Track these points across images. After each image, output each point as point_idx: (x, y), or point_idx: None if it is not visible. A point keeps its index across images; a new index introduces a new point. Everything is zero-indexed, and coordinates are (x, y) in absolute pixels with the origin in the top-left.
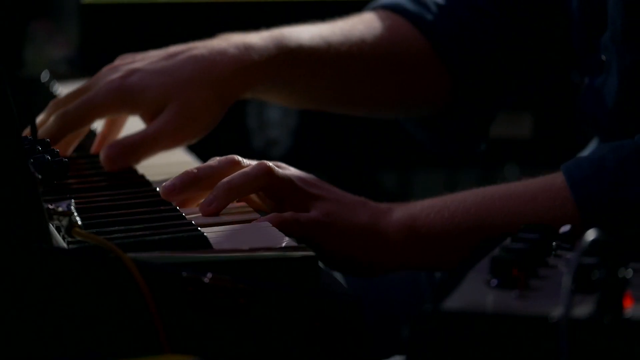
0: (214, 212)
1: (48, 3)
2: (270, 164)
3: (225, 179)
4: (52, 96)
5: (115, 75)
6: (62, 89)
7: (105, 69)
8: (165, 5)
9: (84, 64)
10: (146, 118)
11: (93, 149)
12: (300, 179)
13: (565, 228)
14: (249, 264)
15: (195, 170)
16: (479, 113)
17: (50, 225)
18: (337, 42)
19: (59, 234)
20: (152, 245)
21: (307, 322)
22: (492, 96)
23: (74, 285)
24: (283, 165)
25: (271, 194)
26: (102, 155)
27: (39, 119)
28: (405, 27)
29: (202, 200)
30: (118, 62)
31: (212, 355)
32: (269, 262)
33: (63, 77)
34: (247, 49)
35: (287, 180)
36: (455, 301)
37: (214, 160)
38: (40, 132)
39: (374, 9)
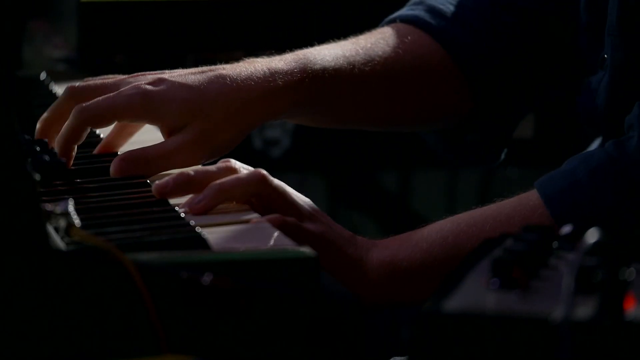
0: (201, 211)
1: (46, 3)
2: (266, 173)
3: (217, 181)
4: (51, 96)
5: (142, 81)
6: (61, 89)
7: (130, 76)
8: (165, 4)
9: (83, 63)
10: (164, 130)
11: (96, 151)
12: (294, 193)
13: (566, 229)
14: (249, 264)
15: (192, 172)
16: (501, 123)
17: (49, 225)
18: (361, 62)
19: (57, 235)
20: (151, 246)
21: (307, 323)
22: (513, 106)
23: (72, 286)
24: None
25: (263, 202)
26: (113, 167)
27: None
28: (426, 41)
29: (190, 197)
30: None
31: (211, 355)
32: (269, 263)
33: (62, 77)
34: (273, 74)
35: (281, 190)
36: (455, 302)
37: (212, 166)
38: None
39: (391, 22)
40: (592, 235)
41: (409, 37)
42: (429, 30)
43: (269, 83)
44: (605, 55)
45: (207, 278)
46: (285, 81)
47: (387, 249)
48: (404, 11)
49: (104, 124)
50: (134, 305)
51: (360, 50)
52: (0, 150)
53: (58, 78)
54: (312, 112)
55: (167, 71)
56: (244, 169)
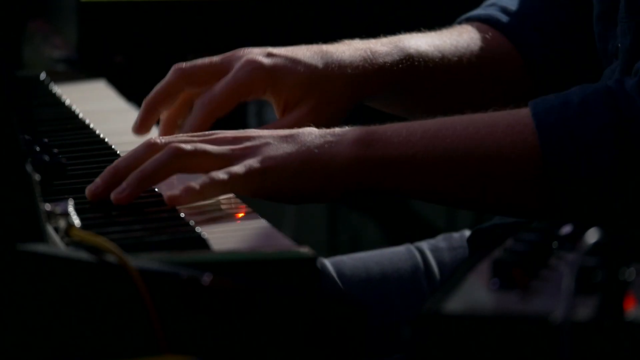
0: (126, 200)
1: (46, 3)
2: (182, 143)
3: (137, 169)
4: (50, 96)
5: (254, 56)
6: (61, 89)
7: (233, 53)
8: (164, 4)
9: (83, 63)
10: (281, 104)
11: (161, 133)
12: (220, 141)
13: (566, 229)
14: (249, 264)
15: (115, 165)
16: None
17: (48, 226)
18: (449, 52)
19: (57, 235)
20: (151, 246)
21: (307, 323)
22: None
23: (72, 286)
24: (216, 132)
25: (195, 171)
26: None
27: (160, 88)
28: (501, 40)
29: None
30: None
31: (211, 356)
32: (268, 263)
33: (62, 77)
34: (373, 53)
35: (200, 153)
36: (455, 303)
37: (133, 149)
38: (183, 123)
39: (468, 20)
40: (592, 236)
41: (489, 35)
42: (503, 30)
43: (372, 61)
44: (619, 45)
45: (207, 278)
46: (385, 61)
47: (363, 129)
48: (479, 11)
49: (232, 107)
50: (134, 306)
51: (448, 41)
52: (0, 150)
53: (58, 78)
54: (406, 95)
55: (269, 48)
56: (164, 138)
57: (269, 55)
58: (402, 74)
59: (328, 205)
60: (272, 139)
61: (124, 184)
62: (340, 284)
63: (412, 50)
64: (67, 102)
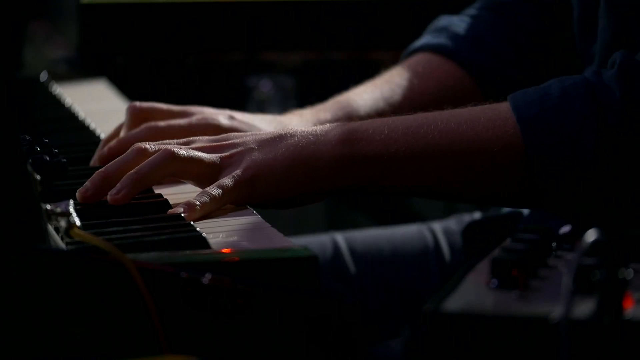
0: (122, 201)
1: (47, 3)
2: (175, 147)
3: (133, 170)
4: (51, 96)
5: (215, 114)
6: (61, 90)
7: (193, 107)
8: (164, 5)
9: (83, 64)
10: None
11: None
12: (209, 148)
13: (565, 229)
14: (248, 264)
15: (103, 170)
16: None
17: (49, 226)
18: (399, 102)
19: (58, 235)
20: (151, 245)
21: (307, 322)
22: None
23: (73, 286)
24: (199, 139)
25: (185, 176)
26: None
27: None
28: (452, 70)
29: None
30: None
31: (211, 355)
32: (268, 263)
33: (62, 78)
34: (322, 124)
35: (193, 158)
36: (455, 302)
37: (123, 155)
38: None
39: (419, 50)
40: (590, 235)
41: (439, 69)
42: (454, 58)
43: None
44: (599, 40)
45: (207, 278)
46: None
47: (344, 127)
48: (428, 39)
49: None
50: (134, 305)
51: (397, 90)
52: (0, 150)
53: (58, 78)
54: None
55: (229, 111)
56: (153, 144)
57: (230, 117)
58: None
59: (328, 205)
60: (256, 144)
61: (119, 185)
62: (339, 284)
63: (360, 112)
64: (68, 102)
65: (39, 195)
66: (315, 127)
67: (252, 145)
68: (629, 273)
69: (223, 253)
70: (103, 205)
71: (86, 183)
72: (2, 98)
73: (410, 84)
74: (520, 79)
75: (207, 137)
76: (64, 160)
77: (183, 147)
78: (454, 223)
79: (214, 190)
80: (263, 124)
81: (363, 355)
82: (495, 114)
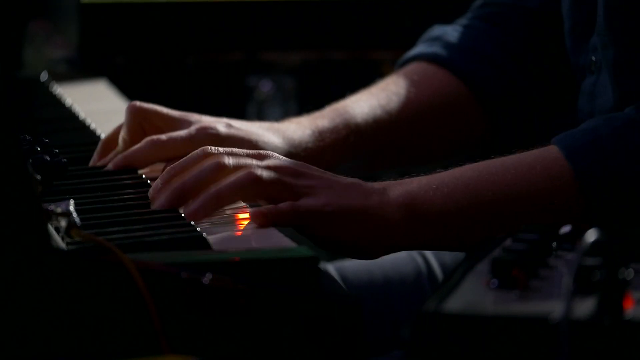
0: (200, 218)
1: (47, 3)
2: (257, 169)
3: (213, 189)
4: (51, 96)
5: (213, 123)
6: (61, 90)
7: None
8: (164, 5)
9: (83, 63)
10: None
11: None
12: (289, 173)
13: (565, 228)
14: (249, 264)
15: (181, 183)
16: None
17: (50, 226)
18: (396, 110)
19: (58, 235)
20: (152, 245)
21: (307, 322)
22: (529, 133)
23: (73, 286)
24: (270, 155)
25: (262, 198)
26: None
27: None
28: (448, 80)
29: (188, 207)
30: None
31: (211, 355)
32: (268, 263)
33: (62, 77)
34: (321, 133)
35: (276, 183)
36: (455, 302)
37: (196, 167)
38: None
39: (414, 59)
40: (591, 235)
41: (434, 77)
42: (450, 67)
43: (319, 142)
44: (593, 58)
45: (207, 278)
46: (333, 139)
47: (404, 190)
48: (422, 49)
49: (174, 156)
50: (135, 305)
51: (394, 97)
52: (0, 150)
53: (59, 78)
54: (353, 160)
55: (226, 119)
56: (230, 158)
57: (227, 125)
58: (352, 146)
59: None
60: (335, 184)
61: (197, 204)
62: (339, 283)
63: (358, 119)
64: (68, 102)
65: (39, 195)
66: (377, 186)
67: (332, 185)
68: (629, 273)
69: (223, 253)
70: (103, 205)
71: (162, 198)
72: (2, 98)
73: (406, 91)
74: (514, 86)
75: (284, 159)
76: (64, 160)
77: (263, 168)
78: None
79: (285, 207)
80: (261, 131)
81: (363, 355)
82: (550, 163)
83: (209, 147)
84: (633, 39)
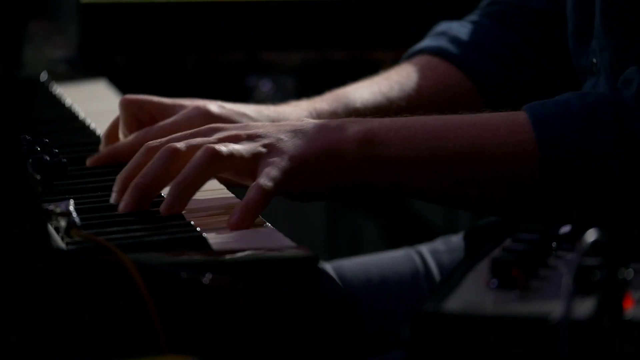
0: (178, 212)
1: (47, 3)
2: (213, 144)
3: (177, 179)
4: (51, 96)
5: (205, 103)
6: (61, 90)
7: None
8: (164, 5)
9: (83, 63)
10: None
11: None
12: (243, 138)
13: (565, 228)
14: (248, 264)
15: (141, 179)
16: None
17: (49, 226)
18: (397, 97)
19: (58, 235)
20: (151, 246)
21: (306, 322)
22: None
23: (72, 286)
24: (218, 128)
25: (226, 172)
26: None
27: None
28: (452, 73)
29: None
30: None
31: (211, 355)
32: (268, 263)
33: (62, 77)
34: (319, 114)
35: (236, 154)
36: (455, 302)
37: (152, 161)
38: None
39: (417, 52)
40: (591, 235)
41: (438, 70)
42: (454, 61)
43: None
44: (594, 60)
45: (207, 278)
46: (331, 117)
47: (364, 127)
48: (428, 42)
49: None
50: (134, 305)
51: (395, 86)
52: (0, 150)
53: (58, 78)
54: None
55: (220, 102)
56: (179, 142)
57: (220, 106)
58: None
59: (328, 206)
60: (282, 134)
61: (169, 199)
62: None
63: (357, 104)
64: (68, 102)
65: (39, 195)
66: (334, 121)
67: (280, 136)
68: (629, 273)
69: (223, 253)
70: (103, 205)
71: (125, 197)
72: (2, 98)
73: (408, 80)
74: (518, 83)
75: (225, 125)
76: (64, 160)
77: (217, 142)
78: (441, 244)
79: (266, 182)
80: (254, 114)
81: (362, 354)
82: (515, 128)
83: (151, 141)
84: (627, 42)
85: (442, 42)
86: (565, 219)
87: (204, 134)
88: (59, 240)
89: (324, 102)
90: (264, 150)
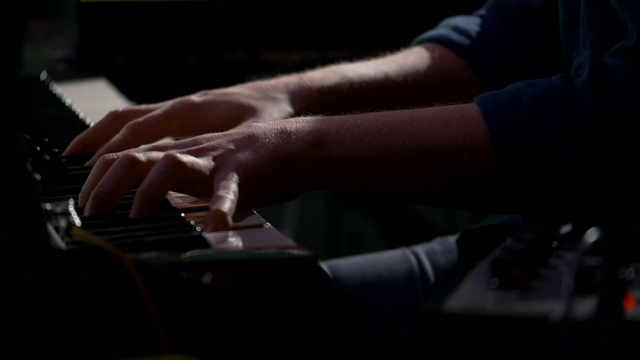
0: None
1: (47, 3)
2: (174, 152)
3: (142, 187)
4: (51, 95)
5: (187, 96)
6: (61, 89)
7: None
8: (164, 5)
9: (83, 63)
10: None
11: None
12: (198, 152)
13: (565, 228)
14: (248, 264)
15: (100, 188)
16: None
17: (49, 225)
18: (394, 73)
19: (58, 235)
20: (151, 245)
21: (307, 322)
22: None
23: (72, 285)
24: (171, 144)
25: (186, 183)
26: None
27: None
28: (452, 59)
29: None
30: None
31: (211, 355)
32: (268, 263)
33: (62, 77)
34: (310, 79)
35: (195, 165)
36: (455, 302)
37: (110, 170)
38: None
39: (421, 42)
40: (591, 235)
41: (437, 55)
42: (454, 48)
43: (307, 84)
44: (581, 46)
45: (207, 278)
46: (323, 84)
47: (315, 129)
48: (431, 32)
49: (156, 137)
50: (134, 305)
51: (393, 64)
52: (0, 150)
53: (58, 78)
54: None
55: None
56: (138, 152)
57: (203, 94)
58: (340, 95)
59: (328, 206)
60: (232, 144)
61: (137, 208)
62: (339, 283)
63: (350, 74)
64: (68, 101)
65: (39, 195)
66: (284, 123)
67: (230, 147)
68: (630, 273)
69: (223, 253)
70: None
71: (86, 207)
72: (2, 98)
73: (406, 60)
74: (519, 72)
75: (173, 142)
76: (64, 160)
77: (176, 151)
78: (438, 244)
79: (228, 194)
80: (240, 89)
81: (362, 354)
82: (466, 121)
83: (107, 154)
84: (608, 26)
85: (445, 31)
86: (517, 210)
87: (161, 148)
88: (59, 240)
89: (318, 71)
90: (215, 164)
